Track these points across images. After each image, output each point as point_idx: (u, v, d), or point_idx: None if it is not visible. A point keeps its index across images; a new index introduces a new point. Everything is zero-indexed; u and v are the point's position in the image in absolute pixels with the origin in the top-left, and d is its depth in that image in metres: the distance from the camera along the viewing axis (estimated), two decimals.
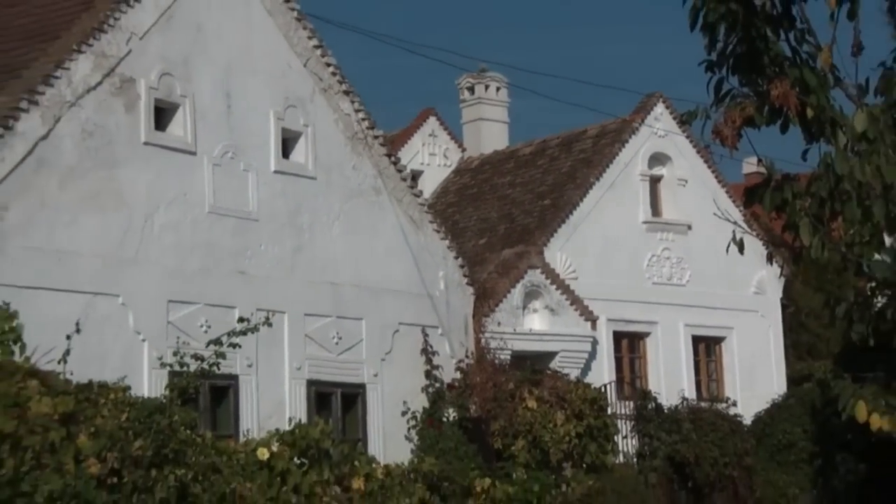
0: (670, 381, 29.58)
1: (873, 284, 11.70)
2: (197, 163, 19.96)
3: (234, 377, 19.69)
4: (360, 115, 22.49)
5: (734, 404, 29.60)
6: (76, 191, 18.24)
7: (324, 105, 21.94)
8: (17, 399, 14.31)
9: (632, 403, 27.57)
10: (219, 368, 18.13)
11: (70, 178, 18.18)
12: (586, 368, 27.90)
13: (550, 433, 22.72)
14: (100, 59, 18.74)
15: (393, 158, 23.48)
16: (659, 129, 30.98)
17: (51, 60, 18.26)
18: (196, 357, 17.83)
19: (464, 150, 36.02)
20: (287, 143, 21.47)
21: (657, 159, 31.08)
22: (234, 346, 18.31)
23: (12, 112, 17.55)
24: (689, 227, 30.62)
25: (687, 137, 30.35)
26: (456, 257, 24.07)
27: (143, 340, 18.64)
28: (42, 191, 17.83)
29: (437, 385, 22.66)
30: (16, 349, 15.65)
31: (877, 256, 10.88)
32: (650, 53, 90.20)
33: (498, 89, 36.31)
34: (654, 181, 31.13)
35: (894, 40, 12.13)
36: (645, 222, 30.61)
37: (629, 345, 30.25)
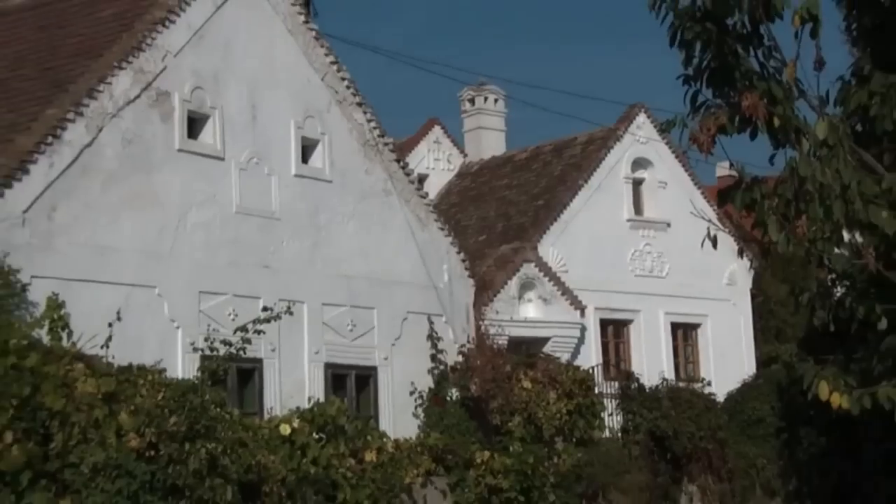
0: (651, 363, 29.64)
1: (833, 276, 11.74)
2: (225, 168, 19.97)
3: (259, 360, 19.66)
4: (372, 124, 22.49)
5: (709, 384, 29.59)
6: (117, 193, 18.25)
7: (339, 115, 21.93)
8: (65, 380, 14.42)
9: (616, 384, 27.57)
10: (245, 353, 18.34)
11: (111, 182, 18.19)
12: (575, 352, 27.95)
13: (543, 410, 22.70)
14: (138, 75, 18.75)
15: (401, 163, 23.46)
16: (641, 137, 31.02)
17: (95, 76, 18.29)
18: (225, 342, 18.02)
19: (465, 155, 36.04)
20: (306, 150, 21.44)
21: (639, 164, 31.12)
22: (258, 332, 18.51)
23: (60, 123, 17.57)
24: (669, 225, 30.66)
25: (666, 144, 30.38)
26: (458, 252, 24.06)
27: (177, 328, 18.59)
28: (86, 193, 17.82)
29: (442, 367, 22.62)
30: (64, 335, 15.76)
31: (836, 251, 10.91)
32: (633, 68, 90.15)
33: (496, 101, 36.34)
34: (637, 183, 31.17)
35: (852, 56, 12.14)
36: (628, 220, 30.66)
37: (614, 331, 30.30)
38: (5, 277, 15.95)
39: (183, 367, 17.94)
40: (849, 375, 10.84)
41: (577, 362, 26.28)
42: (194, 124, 19.66)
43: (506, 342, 24.91)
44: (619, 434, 26.14)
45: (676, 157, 30.68)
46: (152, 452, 14.54)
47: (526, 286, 27.58)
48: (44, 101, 18.18)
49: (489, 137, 35.78)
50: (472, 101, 36.26)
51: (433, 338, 22.68)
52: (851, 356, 11.62)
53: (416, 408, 22.14)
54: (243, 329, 18.23)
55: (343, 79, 22.04)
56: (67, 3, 21.61)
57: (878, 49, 11.60)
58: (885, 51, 11.45)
